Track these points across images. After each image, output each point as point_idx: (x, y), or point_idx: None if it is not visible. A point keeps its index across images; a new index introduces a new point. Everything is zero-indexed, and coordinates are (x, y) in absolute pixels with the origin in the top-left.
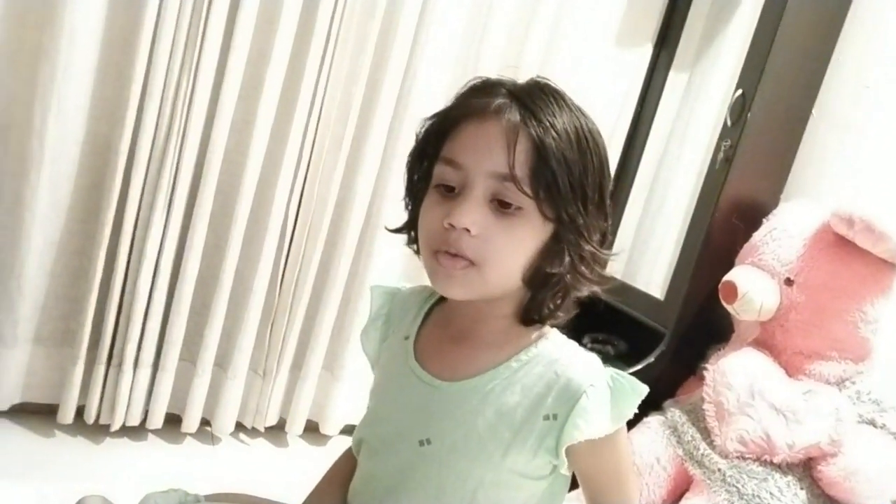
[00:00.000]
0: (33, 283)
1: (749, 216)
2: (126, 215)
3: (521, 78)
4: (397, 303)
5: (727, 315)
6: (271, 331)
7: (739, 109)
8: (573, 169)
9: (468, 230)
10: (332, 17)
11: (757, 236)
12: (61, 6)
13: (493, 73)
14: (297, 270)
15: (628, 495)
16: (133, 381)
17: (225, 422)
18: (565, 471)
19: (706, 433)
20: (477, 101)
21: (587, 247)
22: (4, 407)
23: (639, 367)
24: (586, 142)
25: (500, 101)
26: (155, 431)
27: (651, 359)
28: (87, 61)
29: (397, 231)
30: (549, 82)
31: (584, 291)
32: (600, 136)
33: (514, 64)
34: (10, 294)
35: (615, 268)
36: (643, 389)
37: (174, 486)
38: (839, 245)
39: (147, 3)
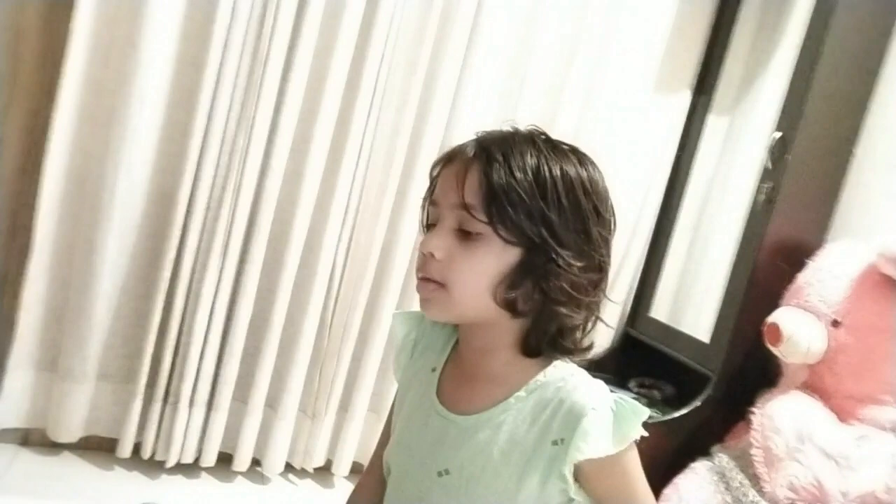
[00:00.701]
0: (102, 323)
1: (793, 257)
2: (184, 261)
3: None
4: (426, 328)
5: (775, 358)
6: (320, 373)
7: (779, 151)
8: (527, 199)
9: (434, 254)
10: (378, 74)
11: (801, 278)
12: (133, 73)
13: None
14: (346, 314)
15: None
16: (188, 419)
17: (274, 462)
18: (575, 494)
19: (755, 479)
20: (452, 149)
21: (557, 269)
22: (72, 439)
23: (685, 411)
24: (549, 176)
25: (465, 145)
26: (208, 469)
27: (697, 403)
28: (153, 121)
29: None
30: (531, 129)
31: (576, 319)
32: (582, 177)
33: (552, 114)
34: (82, 333)
35: (660, 312)
36: (644, 412)
37: None
38: (886, 285)
39: (207, 64)
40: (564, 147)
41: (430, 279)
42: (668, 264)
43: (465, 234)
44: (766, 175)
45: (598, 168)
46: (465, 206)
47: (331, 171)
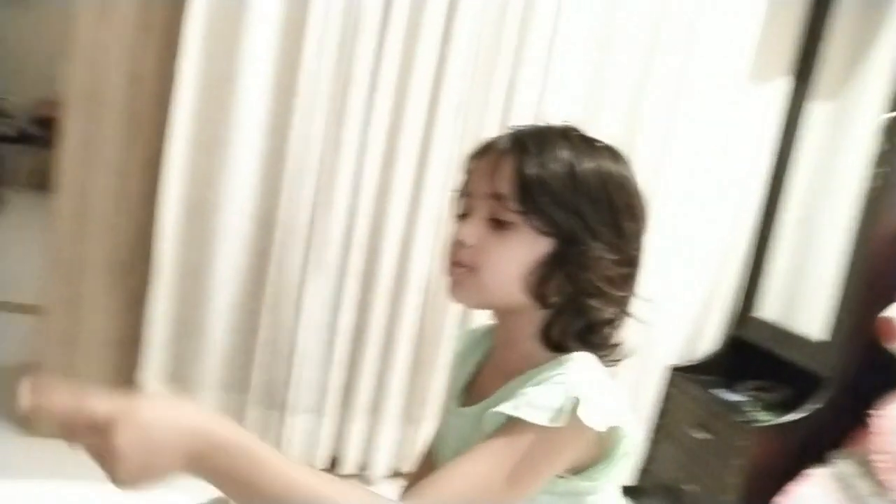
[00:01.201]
0: (218, 337)
1: None
2: (286, 277)
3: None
4: (474, 339)
5: None
6: (419, 379)
7: (893, 133)
8: (560, 190)
9: (465, 242)
10: (460, 85)
11: None
12: (234, 103)
13: (615, 126)
14: (440, 321)
15: (453, 484)
16: (298, 426)
17: (380, 466)
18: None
19: (881, 487)
20: (485, 142)
21: (589, 262)
22: None
23: (799, 415)
24: (583, 171)
25: (499, 137)
26: None
27: (813, 405)
28: (252, 147)
29: None
30: (565, 125)
31: (605, 314)
32: (615, 173)
33: (638, 109)
34: (201, 346)
35: (769, 312)
36: (593, 406)
37: None
38: None
39: (298, 92)
40: (598, 144)
41: (460, 263)
42: (775, 261)
43: (497, 224)
44: (882, 160)
45: (631, 166)
46: (498, 196)
47: (418, 182)
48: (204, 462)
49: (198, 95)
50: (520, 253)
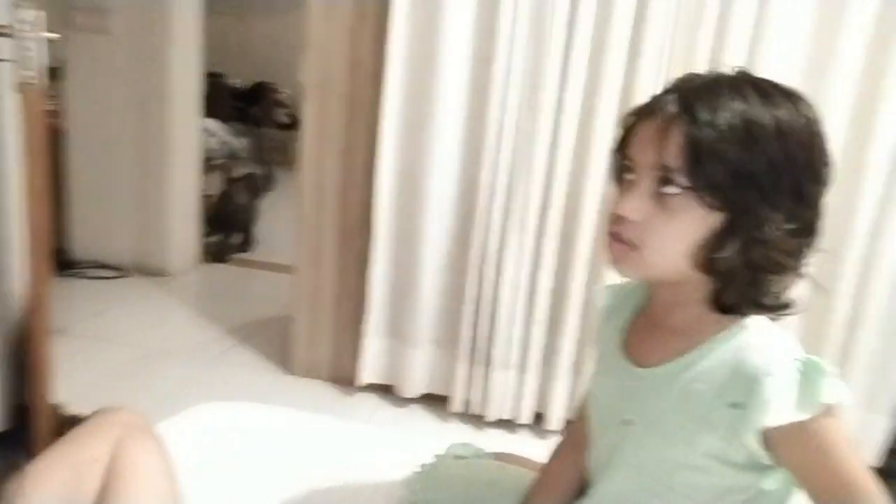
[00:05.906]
0: (428, 296)
1: None
2: (489, 239)
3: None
4: (622, 295)
5: None
6: None
7: None
8: (735, 161)
9: (629, 218)
10: (661, 50)
11: None
12: (434, 83)
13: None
14: None
15: (856, 498)
16: (503, 380)
17: None
18: (769, 461)
19: None
20: (650, 101)
21: (766, 235)
22: (415, 395)
23: None
24: (760, 133)
25: (665, 97)
26: (524, 426)
27: None
28: (454, 118)
29: None
30: (739, 73)
31: (782, 283)
32: (796, 128)
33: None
34: (414, 305)
35: None
36: (833, 375)
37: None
38: None
39: (495, 59)
40: (777, 92)
41: (622, 241)
42: None
43: (663, 197)
44: None
45: (815, 113)
46: (666, 169)
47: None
48: None
49: (405, 74)
50: (687, 230)
